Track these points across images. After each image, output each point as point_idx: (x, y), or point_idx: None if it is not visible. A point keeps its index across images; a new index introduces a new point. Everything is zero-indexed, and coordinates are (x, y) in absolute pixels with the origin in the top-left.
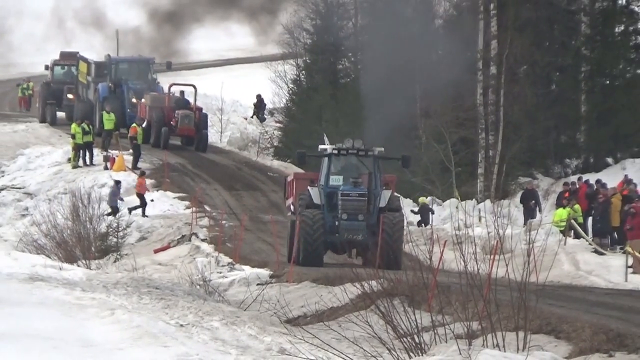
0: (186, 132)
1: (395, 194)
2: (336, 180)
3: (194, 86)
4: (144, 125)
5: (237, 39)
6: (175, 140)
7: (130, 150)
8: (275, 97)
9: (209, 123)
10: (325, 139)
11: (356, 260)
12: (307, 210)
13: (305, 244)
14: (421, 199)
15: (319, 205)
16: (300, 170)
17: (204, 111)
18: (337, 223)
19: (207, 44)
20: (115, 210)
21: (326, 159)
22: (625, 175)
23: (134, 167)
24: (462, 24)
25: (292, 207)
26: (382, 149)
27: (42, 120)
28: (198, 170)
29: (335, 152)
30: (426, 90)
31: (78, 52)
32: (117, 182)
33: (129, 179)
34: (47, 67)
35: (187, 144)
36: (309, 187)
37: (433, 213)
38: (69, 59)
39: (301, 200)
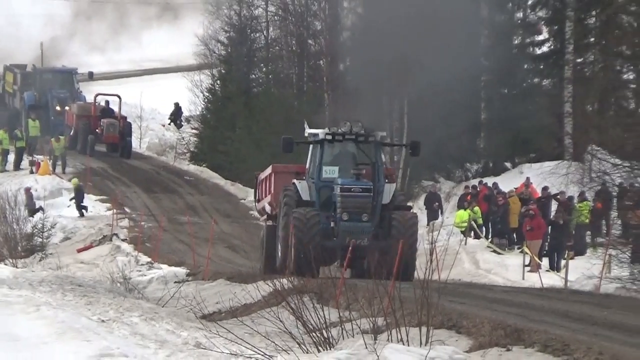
0: (111, 140)
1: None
2: (330, 172)
3: (118, 96)
4: (71, 133)
5: (155, 50)
6: (101, 147)
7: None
8: (192, 105)
9: None
10: (306, 125)
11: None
12: (299, 209)
13: (298, 249)
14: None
15: (311, 203)
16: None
17: (127, 119)
18: (332, 224)
19: (126, 55)
20: (36, 210)
21: (317, 146)
22: (527, 178)
23: (62, 170)
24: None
25: (267, 207)
26: (385, 133)
27: None
28: (119, 174)
29: (329, 137)
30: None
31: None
32: (28, 189)
33: (53, 182)
34: None
35: (112, 151)
36: (295, 181)
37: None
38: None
39: (287, 197)
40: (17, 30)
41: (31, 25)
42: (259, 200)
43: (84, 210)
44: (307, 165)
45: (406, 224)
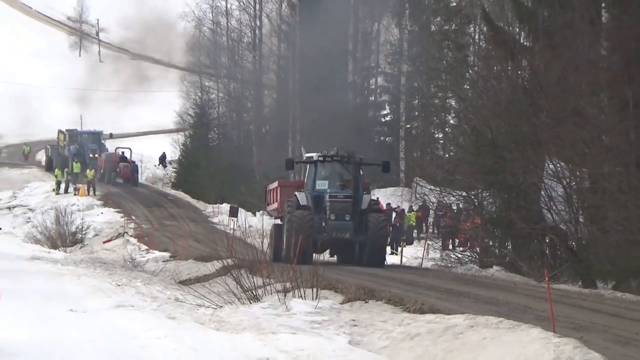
0: (126, 176)
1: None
2: (322, 185)
3: (130, 149)
4: (101, 171)
5: (150, 119)
6: (119, 180)
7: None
8: (173, 153)
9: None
10: (303, 149)
11: (332, 258)
12: (298, 211)
13: (297, 242)
14: None
15: (308, 207)
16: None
17: (135, 163)
18: (323, 224)
19: (133, 122)
20: None
21: (312, 165)
22: (377, 198)
23: (94, 193)
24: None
25: (273, 212)
26: (362, 156)
27: (48, 169)
28: (129, 196)
29: (321, 159)
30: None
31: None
32: None
33: (88, 201)
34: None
35: (126, 183)
36: (296, 193)
37: None
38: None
39: (289, 204)
40: (63, 108)
41: (72, 104)
42: (268, 204)
43: None
44: (305, 180)
45: (378, 224)
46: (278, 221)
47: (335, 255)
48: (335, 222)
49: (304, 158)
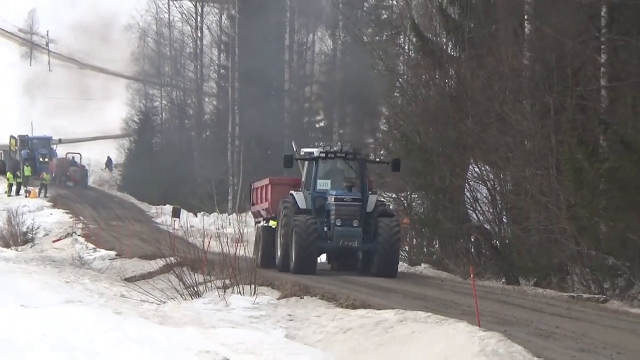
0: (76, 179)
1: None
2: (324, 184)
3: (80, 154)
4: (52, 174)
5: (98, 125)
6: (69, 183)
7: (39, 187)
8: (119, 157)
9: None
10: (294, 145)
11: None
12: (300, 216)
13: (299, 251)
14: None
15: (308, 211)
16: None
17: (85, 167)
18: (326, 229)
19: (79, 129)
20: None
21: (312, 162)
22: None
23: (44, 195)
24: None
25: (262, 212)
26: (368, 152)
27: (0, 172)
28: (77, 197)
29: (323, 155)
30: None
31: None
32: None
33: (39, 202)
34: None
35: (75, 186)
36: (292, 192)
37: None
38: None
39: (286, 204)
40: (14, 115)
41: (23, 111)
42: (253, 204)
43: None
44: (303, 179)
45: (391, 229)
46: (264, 223)
47: (330, 262)
48: (342, 229)
49: (298, 154)
